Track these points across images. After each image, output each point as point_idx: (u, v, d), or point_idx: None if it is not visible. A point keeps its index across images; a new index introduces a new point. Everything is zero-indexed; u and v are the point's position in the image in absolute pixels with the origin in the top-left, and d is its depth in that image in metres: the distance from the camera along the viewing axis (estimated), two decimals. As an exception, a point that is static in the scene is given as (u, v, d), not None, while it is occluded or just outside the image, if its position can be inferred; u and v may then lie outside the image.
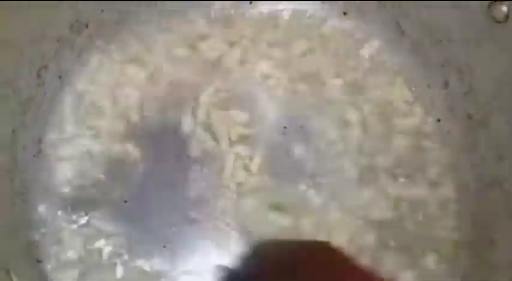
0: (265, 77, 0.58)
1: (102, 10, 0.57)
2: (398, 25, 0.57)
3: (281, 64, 0.58)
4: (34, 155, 0.56)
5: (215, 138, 0.57)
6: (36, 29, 0.54)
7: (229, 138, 0.57)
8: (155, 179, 0.56)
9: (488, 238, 0.53)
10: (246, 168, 0.56)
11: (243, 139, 0.57)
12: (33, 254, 0.53)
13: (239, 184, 0.56)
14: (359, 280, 0.48)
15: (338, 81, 0.58)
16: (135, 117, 0.57)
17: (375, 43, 0.58)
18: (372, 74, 0.58)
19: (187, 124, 0.57)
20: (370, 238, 0.55)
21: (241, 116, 0.57)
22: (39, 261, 0.53)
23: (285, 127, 0.57)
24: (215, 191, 0.56)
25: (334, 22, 0.59)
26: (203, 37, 0.59)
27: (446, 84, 0.56)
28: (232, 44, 0.59)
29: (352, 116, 0.57)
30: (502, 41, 0.51)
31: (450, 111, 0.56)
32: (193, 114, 0.57)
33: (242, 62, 0.59)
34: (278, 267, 0.51)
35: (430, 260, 0.55)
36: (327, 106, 0.58)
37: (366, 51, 0.58)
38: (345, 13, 0.58)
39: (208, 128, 0.57)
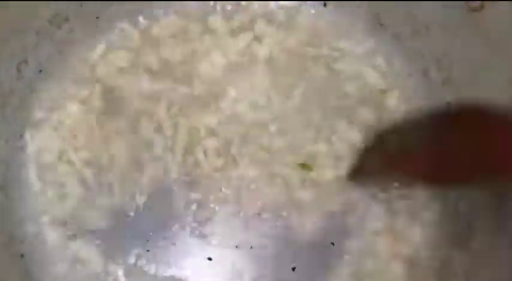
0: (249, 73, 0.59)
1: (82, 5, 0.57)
2: (377, 16, 0.58)
3: (262, 58, 0.59)
4: (16, 150, 0.55)
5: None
6: (16, 22, 0.53)
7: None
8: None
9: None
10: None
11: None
12: (16, 248, 0.53)
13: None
14: None
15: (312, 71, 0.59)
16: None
17: (355, 34, 0.59)
18: (352, 64, 0.59)
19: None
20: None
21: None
22: (22, 256, 0.52)
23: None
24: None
25: (314, 13, 0.60)
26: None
27: (426, 73, 0.57)
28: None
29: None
30: (477, 29, 0.52)
31: (430, 98, 0.57)
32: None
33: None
34: None
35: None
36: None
37: (345, 43, 0.59)
38: (325, 5, 0.59)
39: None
